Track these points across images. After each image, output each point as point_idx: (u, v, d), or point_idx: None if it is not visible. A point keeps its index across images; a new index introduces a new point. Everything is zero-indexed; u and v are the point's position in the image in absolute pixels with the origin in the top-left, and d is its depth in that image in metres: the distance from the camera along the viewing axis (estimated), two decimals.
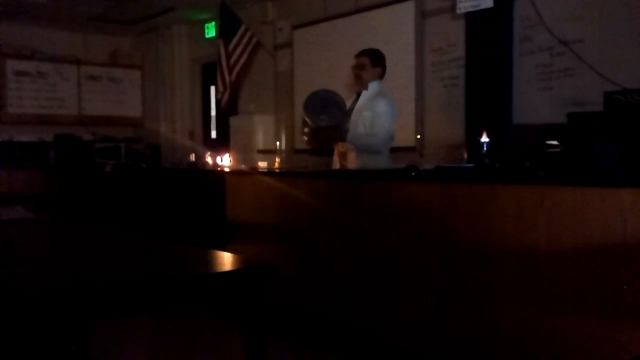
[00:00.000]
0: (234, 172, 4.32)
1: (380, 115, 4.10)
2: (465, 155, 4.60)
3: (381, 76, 4.25)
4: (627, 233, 2.20)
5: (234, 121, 7.28)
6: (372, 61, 4.19)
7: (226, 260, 1.88)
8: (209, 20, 8.09)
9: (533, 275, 2.47)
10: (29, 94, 8.34)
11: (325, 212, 3.48)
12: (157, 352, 3.59)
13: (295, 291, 3.61)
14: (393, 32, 5.48)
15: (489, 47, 4.72)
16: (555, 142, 2.65)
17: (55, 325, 1.41)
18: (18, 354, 1.91)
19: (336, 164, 4.33)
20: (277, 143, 5.52)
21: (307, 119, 3.99)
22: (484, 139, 2.98)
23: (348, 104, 4.30)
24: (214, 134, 8.49)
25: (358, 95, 4.29)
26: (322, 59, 6.28)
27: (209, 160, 5.07)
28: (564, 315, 2.38)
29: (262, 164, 4.53)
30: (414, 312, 2.95)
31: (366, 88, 4.21)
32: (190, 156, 5.47)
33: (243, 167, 4.76)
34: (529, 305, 2.49)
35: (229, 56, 7.25)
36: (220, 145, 7.34)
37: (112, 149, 7.98)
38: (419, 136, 5.33)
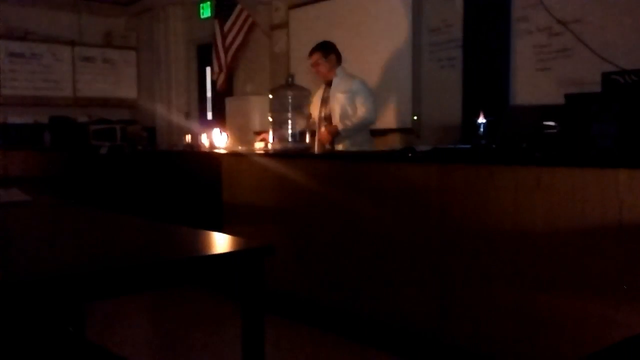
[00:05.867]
0: (230, 154, 4.31)
1: (359, 93, 4.36)
2: (461, 136, 4.60)
3: (339, 61, 4.51)
4: (623, 213, 2.20)
5: (230, 102, 7.25)
6: (323, 53, 4.47)
7: (223, 241, 1.87)
8: (204, 1, 8.01)
9: (530, 256, 2.48)
10: (22, 76, 8.28)
11: (321, 194, 3.48)
12: (154, 332, 3.61)
13: (292, 272, 3.62)
14: (390, 12, 5.44)
15: (486, 27, 4.69)
16: (552, 123, 2.64)
17: (51, 306, 1.41)
18: (16, 335, 1.92)
19: (319, 148, 4.43)
20: None
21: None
22: (481, 120, 2.97)
23: (320, 93, 4.59)
24: (209, 116, 8.45)
25: (326, 84, 4.54)
26: (318, 39, 6.20)
27: (205, 141, 5.06)
28: (561, 295, 2.39)
29: (260, 144, 4.52)
30: (413, 293, 2.97)
31: (334, 75, 4.47)
32: (186, 138, 5.45)
33: (239, 148, 4.74)
34: (526, 285, 2.50)
35: (224, 37, 7.19)
36: (216, 126, 7.32)
37: (108, 130, 7.95)
38: (415, 117, 5.32)
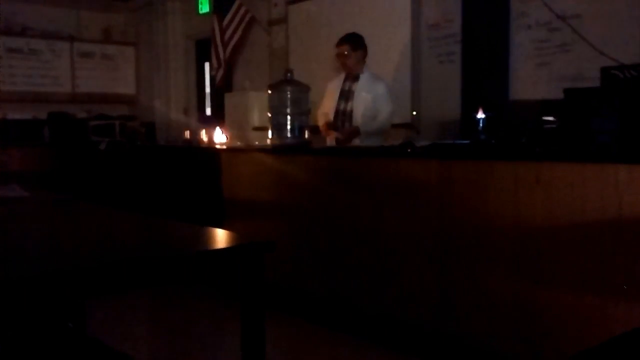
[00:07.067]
0: (229, 150, 4.31)
1: (384, 97, 4.37)
2: (460, 132, 4.60)
3: (365, 57, 4.47)
4: (622, 209, 2.20)
5: (228, 98, 7.24)
6: (353, 46, 4.40)
7: (223, 237, 1.87)
8: None
9: (530, 251, 2.49)
10: (21, 72, 8.26)
11: (321, 189, 3.48)
12: (154, 328, 3.61)
13: (292, 267, 3.62)
14: (389, 7, 5.43)
15: (485, 22, 4.68)
16: (551, 118, 2.64)
17: (52, 303, 1.41)
18: (16, 331, 1.92)
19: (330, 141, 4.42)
20: None
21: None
22: (480, 115, 2.97)
23: (337, 85, 4.54)
24: (208, 111, 8.44)
25: (347, 76, 4.49)
26: (317, 35, 6.22)
27: (203, 137, 5.05)
28: (561, 289, 2.39)
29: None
30: (413, 288, 2.97)
31: (361, 71, 4.43)
32: (185, 133, 5.44)
33: (238, 144, 4.74)
34: (526, 280, 2.50)
35: (223, 32, 7.18)
36: (215, 122, 7.31)
37: (107, 126, 7.94)
38: (414, 112, 5.32)
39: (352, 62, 4.40)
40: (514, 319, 2.55)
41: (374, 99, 4.35)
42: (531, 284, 2.48)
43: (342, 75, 4.55)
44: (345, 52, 4.39)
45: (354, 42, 4.41)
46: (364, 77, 4.43)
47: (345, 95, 4.47)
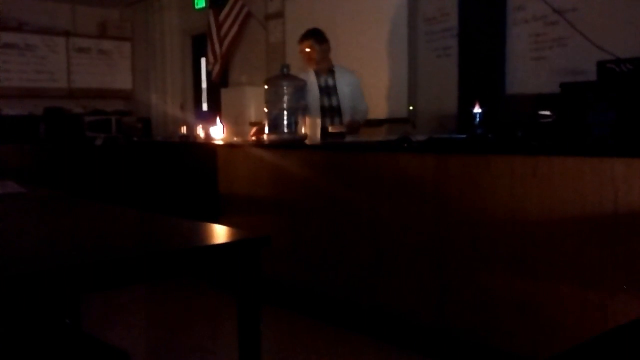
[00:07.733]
0: (225, 145, 4.30)
1: (358, 88, 4.50)
2: (457, 126, 4.60)
3: (329, 50, 4.51)
4: (618, 203, 2.21)
5: (225, 93, 7.23)
6: (317, 40, 4.44)
7: (219, 232, 1.87)
8: None
9: (527, 245, 2.49)
10: (17, 67, 8.24)
11: (318, 184, 3.48)
12: (151, 324, 3.62)
13: (289, 263, 3.63)
14: (386, 1, 5.42)
15: (482, 16, 4.68)
16: (547, 112, 2.65)
17: (48, 299, 1.41)
18: (12, 328, 1.92)
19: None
20: None
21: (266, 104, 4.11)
22: (477, 109, 2.97)
23: (309, 81, 4.48)
24: (205, 107, 8.43)
25: (318, 72, 4.51)
26: None
27: (200, 132, 5.04)
28: (556, 283, 2.40)
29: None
30: (410, 282, 2.98)
31: (331, 65, 4.50)
32: (182, 129, 5.43)
33: (235, 139, 4.74)
34: (523, 274, 2.51)
35: (219, 27, 7.17)
36: (212, 117, 7.30)
37: (103, 122, 7.93)
38: (411, 107, 5.32)
39: (319, 56, 4.43)
40: (512, 313, 2.56)
41: (352, 92, 4.43)
42: (528, 278, 2.49)
43: (311, 72, 4.51)
44: (310, 48, 4.42)
45: (318, 36, 4.44)
46: (338, 71, 4.47)
47: (327, 91, 4.49)
